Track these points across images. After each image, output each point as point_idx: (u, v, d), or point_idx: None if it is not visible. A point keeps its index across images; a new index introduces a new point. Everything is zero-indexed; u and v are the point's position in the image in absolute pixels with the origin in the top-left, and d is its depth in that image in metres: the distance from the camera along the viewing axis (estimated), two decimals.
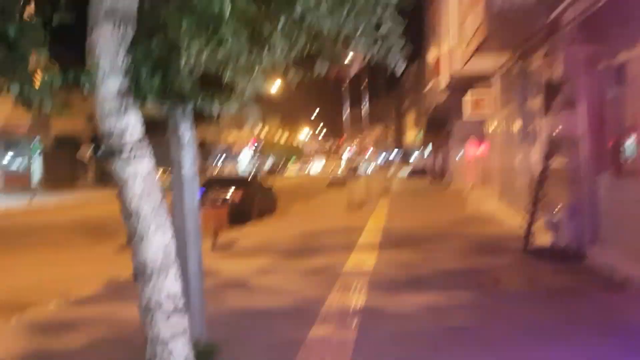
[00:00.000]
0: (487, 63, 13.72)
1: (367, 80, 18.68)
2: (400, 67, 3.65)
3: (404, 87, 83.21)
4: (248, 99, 3.46)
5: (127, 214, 3.30)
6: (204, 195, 16.12)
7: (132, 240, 3.35)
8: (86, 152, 38.06)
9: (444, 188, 26.85)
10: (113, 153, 3.19)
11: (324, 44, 3.51)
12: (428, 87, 19.63)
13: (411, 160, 78.37)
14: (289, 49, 3.27)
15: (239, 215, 15.60)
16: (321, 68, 3.70)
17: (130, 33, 3.07)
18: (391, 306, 5.69)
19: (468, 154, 16.99)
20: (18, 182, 31.21)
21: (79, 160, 37.20)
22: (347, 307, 5.70)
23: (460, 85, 15.38)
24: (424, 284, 6.66)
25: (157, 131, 4.16)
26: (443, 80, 14.63)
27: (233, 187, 16.14)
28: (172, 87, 3.18)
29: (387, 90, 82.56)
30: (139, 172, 3.23)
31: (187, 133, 4.14)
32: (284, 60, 3.33)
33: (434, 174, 36.26)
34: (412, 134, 74.70)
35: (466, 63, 11.24)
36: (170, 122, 4.12)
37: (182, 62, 2.96)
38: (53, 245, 12.04)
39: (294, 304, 5.95)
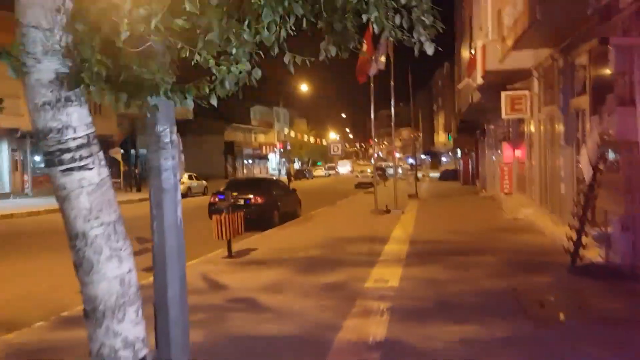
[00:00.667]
0: (526, 58, 12.66)
1: (394, 81, 17.77)
2: (428, 48, 2.81)
3: (433, 89, 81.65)
4: (231, 89, 2.67)
5: (72, 236, 2.57)
6: (223, 199, 15.54)
7: (78, 268, 2.62)
8: (119, 150, 38.23)
9: (476, 193, 25.65)
10: (51, 157, 2.46)
11: (329, 16, 2.71)
12: (461, 84, 18.54)
13: (441, 164, 76.74)
14: (279, 22, 2.48)
15: (260, 219, 14.92)
16: (327, 49, 2.89)
17: (68, 1, 2.34)
18: (418, 339, 4.81)
19: (504, 157, 15.89)
20: (47, 183, 31.36)
21: (112, 158, 37.30)
22: (366, 338, 4.86)
23: (497, 83, 14.30)
24: (457, 309, 5.75)
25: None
26: (478, 77, 13.62)
27: (254, 190, 15.45)
28: (127, 74, 2.42)
29: (416, 93, 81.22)
30: (85, 182, 2.49)
31: (166, 132, 3.41)
32: (274, 38, 2.52)
33: (465, 178, 34.94)
34: (442, 137, 73.10)
35: (504, 58, 10.23)
36: (147, 119, 3.39)
37: (121, 34, 2.19)
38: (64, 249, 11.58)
39: (304, 332, 5.14)
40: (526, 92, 13.24)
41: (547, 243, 9.78)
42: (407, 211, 17.21)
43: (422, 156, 73.43)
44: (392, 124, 18.48)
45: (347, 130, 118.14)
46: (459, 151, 52.16)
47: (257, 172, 65.38)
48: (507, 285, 6.69)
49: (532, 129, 13.67)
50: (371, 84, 16.88)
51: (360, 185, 38.24)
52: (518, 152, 15.94)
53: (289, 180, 41.18)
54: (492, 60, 12.93)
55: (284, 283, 7.27)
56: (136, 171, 33.25)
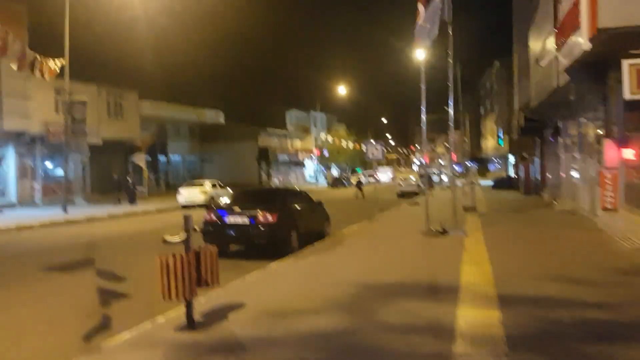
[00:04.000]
0: None
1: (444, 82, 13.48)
2: None
3: (481, 91, 76.10)
4: None
5: None
6: (225, 215, 11.64)
7: None
8: (143, 156, 35.31)
9: (547, 205, 20.89)
10: None
11: None
12: (544, 61, 14.07)
13: (488, 170, 70.95)
14: None
15: (272, 244, 10.94)
16: None
17: None
18: None
19: (607, 159, 11.44)
20: (58, 192, 28.38)
21: (135, 164, 34.46)
22: None
23: (604, 53, 9.90)
24: None
25: None
26: (583, 41, 9.26)
27: (264, 204, 11.44)
28: None
29: (463, 95, 76.17)
30: None
31: None
32: None
33: (527, 187, 29.97)
34: (490, 142, 67.49)
35: None
36: None
37: None
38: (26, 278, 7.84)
39: None
40: None
41: None
42: (471, 231, 12.81)
43: (469, 162, 68.20)
44: (451, 122, 14.12)
45: (388, 135, 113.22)
46: (510, 156, 46.90)
47: (293, 179, 61.86)
48: None
49: None
50: (422, 85, 12.79)
51: (403, 195, 33.87)
52: (628, 153, 11.38)
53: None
54: (609, 11, 8.55)
55: None
56: (128, 179, 29.44)
